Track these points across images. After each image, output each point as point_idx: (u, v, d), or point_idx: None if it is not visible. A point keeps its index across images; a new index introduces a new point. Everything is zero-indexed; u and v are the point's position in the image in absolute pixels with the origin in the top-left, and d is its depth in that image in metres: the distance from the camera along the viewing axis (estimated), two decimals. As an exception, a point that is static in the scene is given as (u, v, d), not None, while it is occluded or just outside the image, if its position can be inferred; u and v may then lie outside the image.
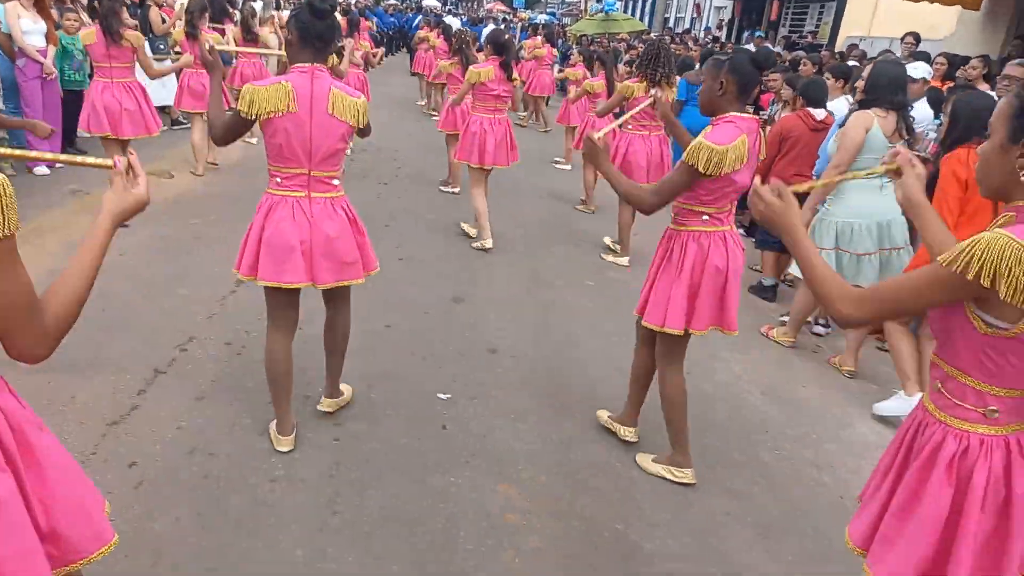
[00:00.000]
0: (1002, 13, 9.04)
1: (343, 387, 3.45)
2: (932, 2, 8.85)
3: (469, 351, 4.15)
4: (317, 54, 2.77)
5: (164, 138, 8.67)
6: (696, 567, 2.68)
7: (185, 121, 9.17)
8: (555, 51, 14.25)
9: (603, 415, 3.53)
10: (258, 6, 10.74)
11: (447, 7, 43.92)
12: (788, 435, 3.67)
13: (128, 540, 2.47)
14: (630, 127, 5.98)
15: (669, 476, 3.15)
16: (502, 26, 19.19)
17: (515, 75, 5.96)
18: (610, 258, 6.14)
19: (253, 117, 2.71)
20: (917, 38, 8.45)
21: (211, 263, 5.03)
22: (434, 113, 11.79)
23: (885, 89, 4.04)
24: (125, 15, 5.75)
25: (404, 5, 34.18)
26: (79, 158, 1.67)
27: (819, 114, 5.27)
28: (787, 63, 8.11)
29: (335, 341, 3.25)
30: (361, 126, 2.89)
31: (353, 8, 14.95)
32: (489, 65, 5.79)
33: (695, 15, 23.71)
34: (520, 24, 23.65)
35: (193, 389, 3.47)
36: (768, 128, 5.59)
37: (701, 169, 2.67)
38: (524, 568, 2.58)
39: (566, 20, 33.32)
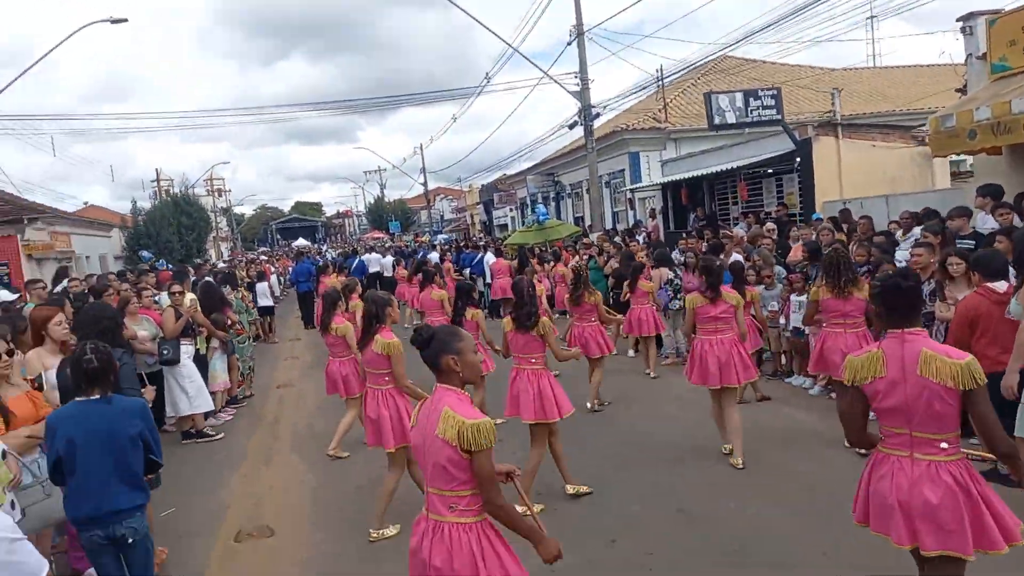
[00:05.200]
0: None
1: None
2: (958, 154, 9.09)
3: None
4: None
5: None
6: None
7: (213, 433, 8.32)
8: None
9: None
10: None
11: (323, 245, 47.75)
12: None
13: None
14: (824, 324, 6.44)
15: None
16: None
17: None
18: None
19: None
20: (994, 191, 7.94)
21: None
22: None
23: None
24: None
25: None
26: None
27: (1000, 286, 5.06)
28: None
29: None
30: None
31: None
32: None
33: (629, 209, 22.45)
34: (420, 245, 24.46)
35: None
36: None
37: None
38: None
39: (454, 236, 36.21)
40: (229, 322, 9.07)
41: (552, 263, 13.53)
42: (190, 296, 8.48)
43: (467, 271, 17.49)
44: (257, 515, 5.97)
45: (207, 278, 11.91)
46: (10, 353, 3.78)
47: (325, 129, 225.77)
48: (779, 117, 13.47)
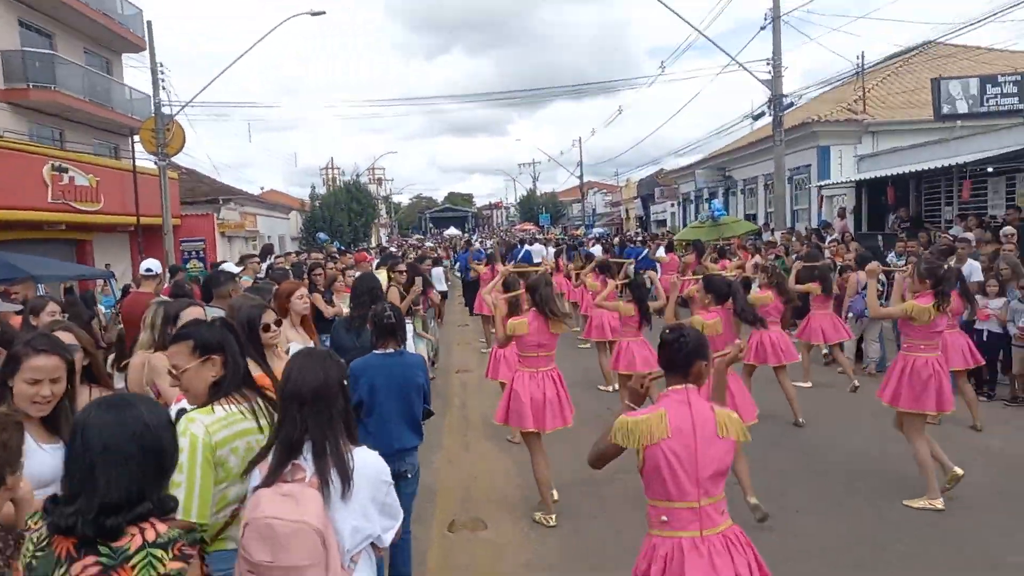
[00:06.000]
0: None
1: None
2: None
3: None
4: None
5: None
6: None
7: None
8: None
9: None
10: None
11: (472, 236, 48.04)
12: None
13: None
14: None
15: None
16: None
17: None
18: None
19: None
20: None
21: None
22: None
23: None
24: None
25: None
26: None
27: None
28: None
29: None
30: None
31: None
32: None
33: (818, 207, 19.43)
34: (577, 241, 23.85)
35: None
36: None
37: None
38: None
39: (607, 231, 35.68)
40: (430, 303, 9.11)
41: (718, 260, 12.67)
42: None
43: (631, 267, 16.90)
44: (467, 505, 5.80)
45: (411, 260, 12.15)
46: (278, 323, 3.72)
47: (478, 122, 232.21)
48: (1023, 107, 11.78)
